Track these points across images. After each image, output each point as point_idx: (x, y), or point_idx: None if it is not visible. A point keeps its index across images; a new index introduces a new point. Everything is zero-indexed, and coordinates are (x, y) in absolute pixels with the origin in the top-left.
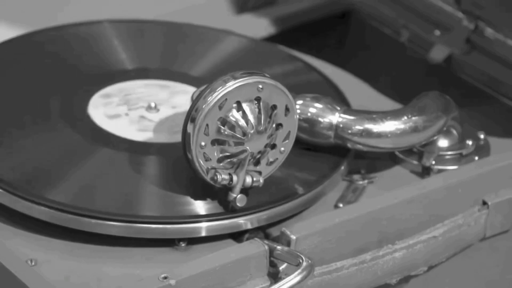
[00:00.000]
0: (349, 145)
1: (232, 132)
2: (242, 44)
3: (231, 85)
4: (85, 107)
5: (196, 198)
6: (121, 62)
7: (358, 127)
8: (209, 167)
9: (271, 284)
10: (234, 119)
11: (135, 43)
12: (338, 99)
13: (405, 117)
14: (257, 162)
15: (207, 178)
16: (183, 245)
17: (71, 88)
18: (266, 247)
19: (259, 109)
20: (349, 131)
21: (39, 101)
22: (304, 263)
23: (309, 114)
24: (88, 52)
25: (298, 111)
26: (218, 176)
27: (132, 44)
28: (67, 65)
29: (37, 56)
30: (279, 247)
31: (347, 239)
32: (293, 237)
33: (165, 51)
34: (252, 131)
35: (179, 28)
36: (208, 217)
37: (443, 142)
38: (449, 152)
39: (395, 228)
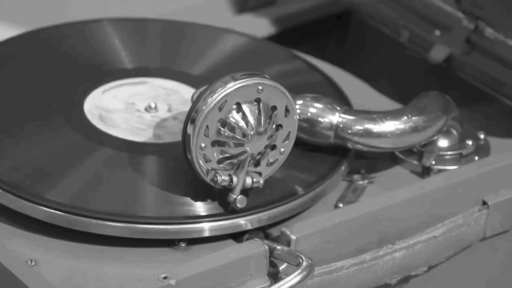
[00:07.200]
0: (349, 145)
1: (232, 134)
2: (242, 43)
3: (231, 86)
4: (85, 106)
5: (196, 199)
6: (121, 61)
7: (358, 127)
8: (209, 168)
9: (271, 284)
10: (234, 121)
11: (135, 42)
12: (339, 99)
13: (405, 117)
14: (257, 163)
15: (207, 179)
16: (183, 245)
17: (71, 88)
18: (266, 247)
19: (259, 110)
20: (349, 131)
21: (38, 100)
22: (304, 263)
23: (309, 114)
24: (88, 51)
25: (298, 111)
26: (218, 177)
27: (132, 43)
28: (67, 64)
29: (36, 55)
30: (279, 247)
31: (347, 239)
32: (293, 237)
33: (165, 50)
34: (252, 132)
35: (179, 26)
36: (208, 217)
37: (443, 142)
38: (449, 152)
39: (395, 228)
